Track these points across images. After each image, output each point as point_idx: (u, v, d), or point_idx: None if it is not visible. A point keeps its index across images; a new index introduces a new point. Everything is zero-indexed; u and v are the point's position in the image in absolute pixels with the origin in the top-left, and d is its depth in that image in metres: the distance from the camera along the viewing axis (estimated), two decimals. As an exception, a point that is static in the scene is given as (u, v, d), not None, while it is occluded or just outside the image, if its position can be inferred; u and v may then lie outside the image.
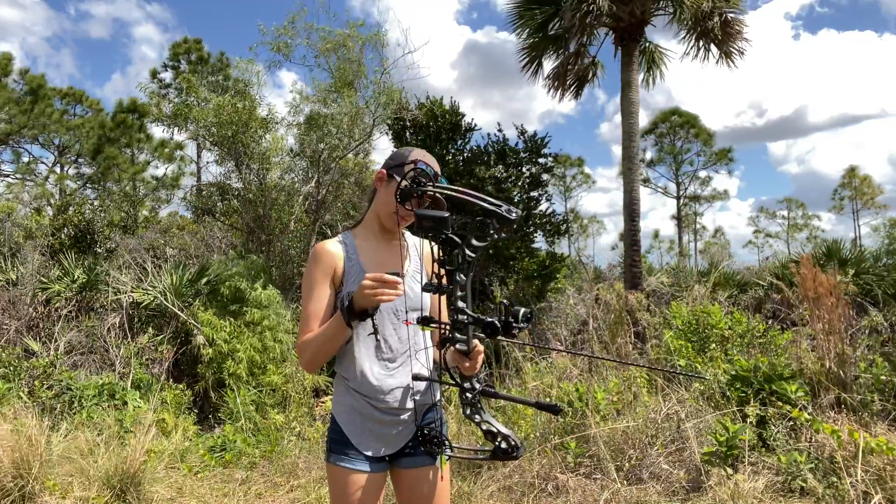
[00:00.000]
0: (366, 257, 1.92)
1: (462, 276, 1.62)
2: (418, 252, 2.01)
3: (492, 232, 1.58)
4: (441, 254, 1.63)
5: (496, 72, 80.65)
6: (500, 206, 1.56)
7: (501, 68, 79.85)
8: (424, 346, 1.95)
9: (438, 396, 1.98)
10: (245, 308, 7.99)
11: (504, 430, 1.73)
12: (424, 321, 1.71)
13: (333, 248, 1.91)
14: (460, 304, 1.62)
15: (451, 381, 1.74)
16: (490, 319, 1.57)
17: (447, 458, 1.86)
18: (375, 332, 1.84)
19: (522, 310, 1.57)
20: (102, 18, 65.78)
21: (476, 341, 1.67)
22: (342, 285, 1.89)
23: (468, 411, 1.75)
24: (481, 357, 1.71)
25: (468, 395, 1.72)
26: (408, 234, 2.04)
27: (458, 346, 1.65)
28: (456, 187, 1.68)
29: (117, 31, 65.86)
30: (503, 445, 1.72)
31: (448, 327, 1.66)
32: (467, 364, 1.68)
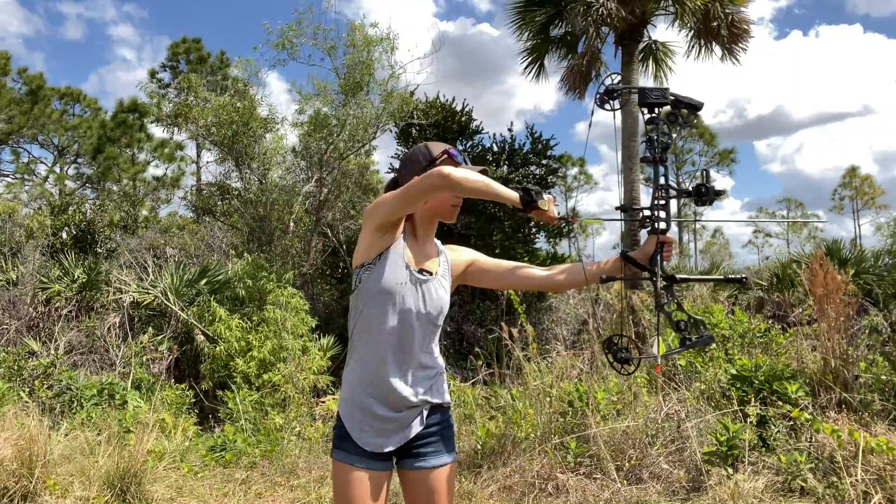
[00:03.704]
0: (409, 250, 1.95)
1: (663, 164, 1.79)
2: (447, 260, 2.04)
3: (681, 120, 1.79)
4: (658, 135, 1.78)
5: (473, 69, 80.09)
6: (691, 99, 1.79)
7: (478, 65, 79.34)
8: (438, 348, 2.00)
9: (448, 398, 1.99)
10: (264, 306, 7.98)
11: (695, 316, 1.80)
12: (623, 209, 1.86)
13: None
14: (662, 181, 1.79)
15: (649, 271, 1.82)
16: (695, 186, 1.77)
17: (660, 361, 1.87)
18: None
19: (718, 186, 1.75)
20: (75, 20, 65.24)
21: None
22: (380, 258, 1.87)
23: (663, 300, 1.79)
24: (674, 245, 1.84)
25: (663, 281, 1.79)
26: (438, 242, 2.08)
27: (660, 225, 1.78)
28: (657, 88, 1.84)
29: (93, 31, 65.43)
30: (692, 335, 1.77)
31: (651, 212, 1.80)
32: (664, 253, 1.79)
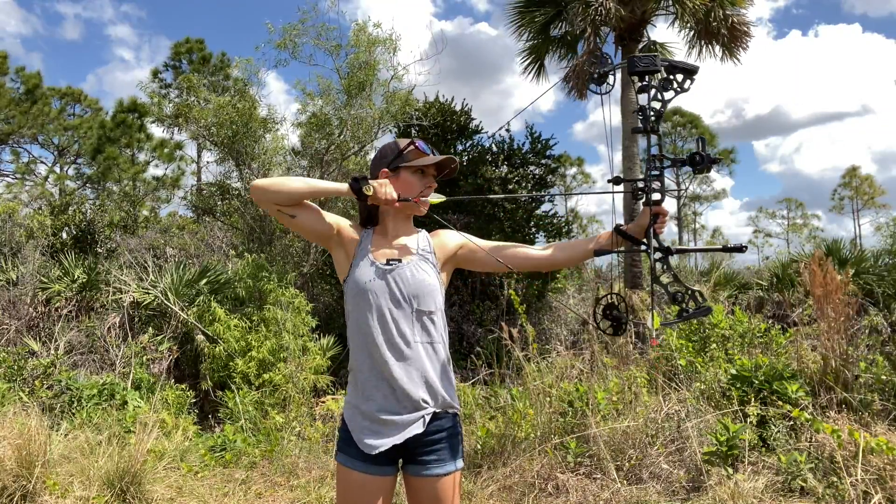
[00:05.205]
0: (374, 246, 1.98)
1: (654, 136, 1.76)
2: (429, 244, 2.04)
3: (676, 86, 1.75)
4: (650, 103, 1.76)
5: (471, 68, 79.85)
6: (686, 63, 1.76)
7: (476, 65, 79.07)
8: (440, 339, 1.96)
9: (456, 403, 1.97)
10: (264, 307, 7.97)
11: (692, 287, 1.79)
12: (616, 181, 1.80)
13: (356, 228, 2.03)
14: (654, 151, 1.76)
15: (644, 245, 1.80)
16: (689, 155, 1.74)
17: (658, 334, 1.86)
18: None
19: (714, 155, 1.74)
20: (73, 20, 64.88)
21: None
22: (351, 268, 1.96)
23: (658, 271, 1.79)
24: (667, 217, 1.82)
25: (658, 252, 1.78)
26: (422, 231, 2.09)
27: (654, 195, 1.75)
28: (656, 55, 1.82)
29: (91, 31, 65.15)
30: (690, 307, 1.76)
31: (644, 184, 1.76)
32: (657, 224, 1.77)
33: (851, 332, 4.76)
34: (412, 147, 1.99)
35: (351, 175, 1.89)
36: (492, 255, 2.01)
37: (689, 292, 1.74)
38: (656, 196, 1.76)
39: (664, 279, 1.79)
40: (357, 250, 1.96)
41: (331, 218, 1.98)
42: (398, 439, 1.84)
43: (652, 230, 1.76)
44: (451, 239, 2.07)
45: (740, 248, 1.76)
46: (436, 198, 1.97)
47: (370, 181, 1.87)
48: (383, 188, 1.88)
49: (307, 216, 1.93)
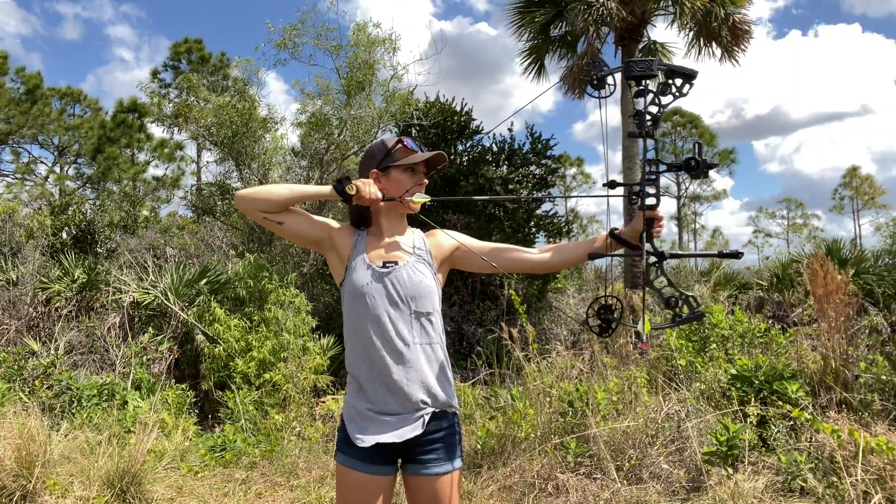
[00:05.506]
0: (369, 248, 1.97)
1: (651, 141, 1.74)
2: (425, 244, 2.03)
3: (674, 91, 1.74)
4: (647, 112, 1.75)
5: (470, 68, 79.78)
6: (684, 67, 1.75)
7: (476, 65, 79.00)
8: (437, 340, 1.95)
9: (455, 403, 1.96)
10: (265, 307, 7.97)
11: (686, 292, 1.78)
12: (611, 184, 1.78)
13: (349, 230, 2.02)
14: (651, 155, 1.75)
15: (637, 248, 1.78)
16: (685, 160, 1.73)
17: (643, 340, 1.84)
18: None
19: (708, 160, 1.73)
20: (73, 20, 64.67)
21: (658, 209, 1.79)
22: (347, 271, 1.95)
23: (652, 275, 1.77)
24: (662, 222, 1.79)
25: (652, 257, 1.76)
26: (417, 231, 2.08)
27: (648, 200, 1.74)
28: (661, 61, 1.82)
29: (90, 31, 64.99)
30: (683, 311, 1.74)
31: (639, 187, 1.75)
32: (652, 229, 1.76)
33: (851, 332, 4.76)
34: (400, 145, 1.98)
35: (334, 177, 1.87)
36: (486, 257, 2.00)
37: (683, 297, 1.73)
38: (651, 201, 1.75)
39: (658, 283, 1.79)
40: (352, 253, 1.95)
41: (320, 221, 1.97)
42: (397, 438, 1.84)
43: (645, 235, 1.76)
44: (447, 240, 2.05)
45: (736, 255, 1.75)
46: (421, 198, 1.95)
47: (353, 181, 1.86)
48: (367, 188, 1.87)
49: (295, 222, 1.93)
